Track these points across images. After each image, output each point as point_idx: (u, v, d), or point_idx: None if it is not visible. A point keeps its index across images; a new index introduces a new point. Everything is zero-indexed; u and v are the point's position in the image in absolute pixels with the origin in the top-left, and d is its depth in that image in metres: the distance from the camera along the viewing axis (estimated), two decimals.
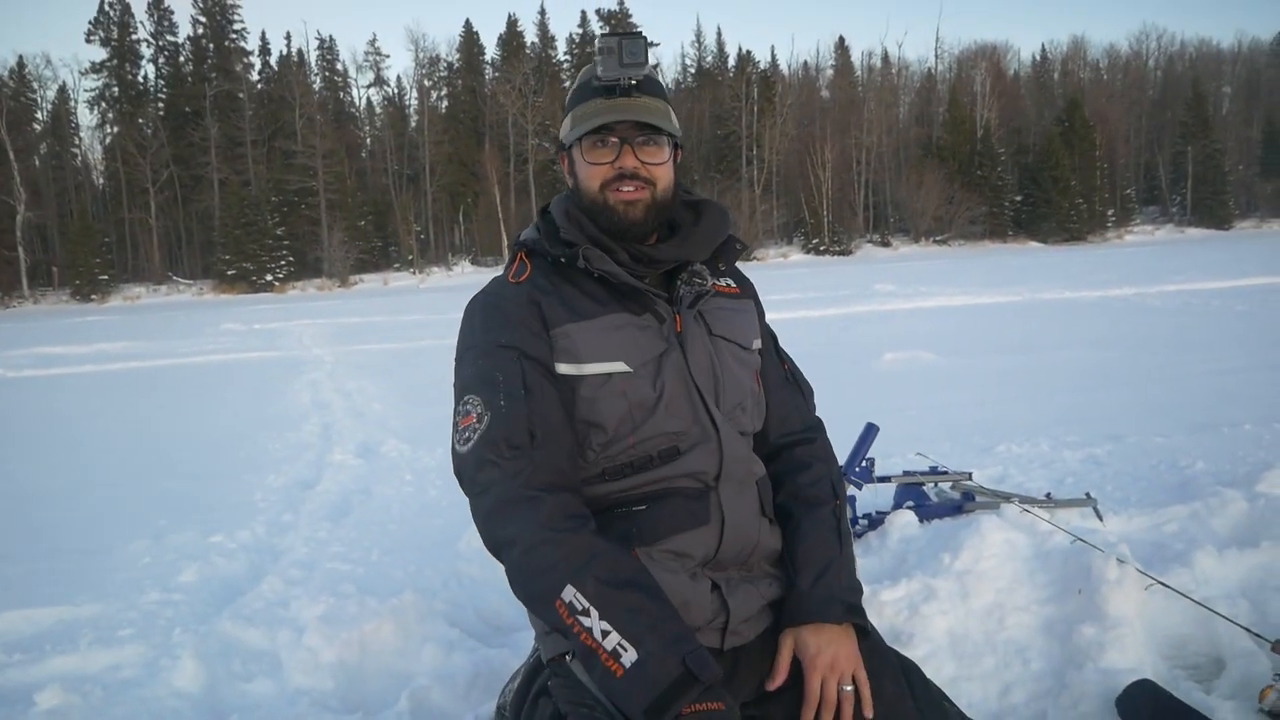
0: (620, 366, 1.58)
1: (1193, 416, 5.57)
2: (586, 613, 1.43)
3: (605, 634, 1.42)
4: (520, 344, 1.58)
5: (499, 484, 1.52)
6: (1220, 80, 75.52)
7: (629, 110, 1.61)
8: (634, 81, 1.61)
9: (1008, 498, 3.28)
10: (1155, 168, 69.05)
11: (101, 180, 59.85)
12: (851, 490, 3.14)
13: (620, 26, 64.67)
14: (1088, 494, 3.49)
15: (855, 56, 73.81)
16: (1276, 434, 5.00)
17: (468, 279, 48.86)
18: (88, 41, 59.79)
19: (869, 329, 12.72)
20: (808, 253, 57.94)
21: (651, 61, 1.65)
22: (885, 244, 60.32)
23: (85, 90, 63.77)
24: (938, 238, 59.28)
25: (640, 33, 1.61)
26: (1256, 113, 70.84)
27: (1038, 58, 77.43)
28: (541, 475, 1.52)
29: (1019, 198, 63.06)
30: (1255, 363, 7.74)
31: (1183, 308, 13.18)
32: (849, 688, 1.51)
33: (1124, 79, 74.67)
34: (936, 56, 74.52)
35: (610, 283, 1.62)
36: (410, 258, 56.36)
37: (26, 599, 3.46)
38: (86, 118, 70.73)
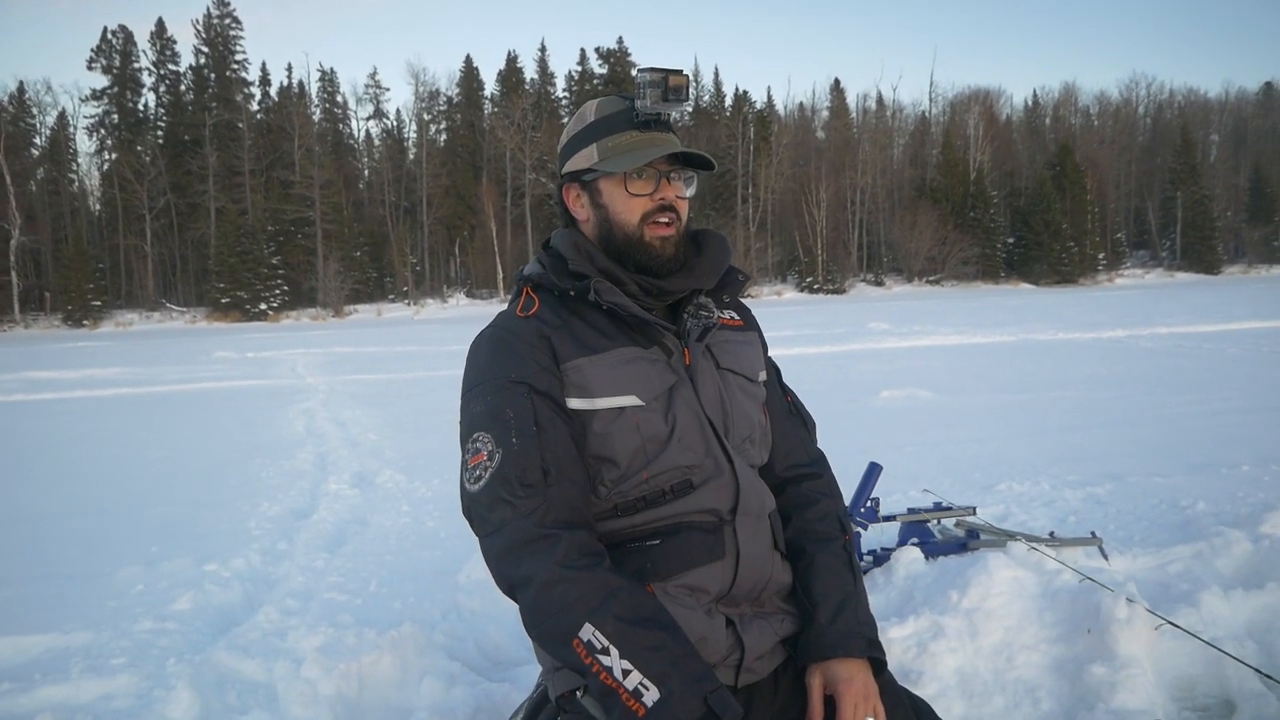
0: (633, 400, 1.56)
1: (1190, 457, 5.57)
2: (606, 651, 1.40)
3: (626, 673, 1.39)
4: (530, 379, 1.56)
5: (512, 523, 1.49)
6: (1208, 128, 76.68)
7: (674, 144, 1.62)
8: (666, 117, 1.63)
9: (1012, 536, 3.26)
10: (1145, 213, 69.79)
11: (98, 206, 59.91)
12: (857, 530, 3.12)
13: (619, 65, 65.43)
14: (1093, 533, 3.48)
15: (850, 99, 74.73)
16: (1275, 475, 5.01)
17: (463, 311, 48.91)
18: (89, 69, 60.34)
19: (865, 367, 12.74)
20: (802, 291, 58.23)
21: None
22: (879, 283, 60.70)
23: (85, 117, 64.46)
24: (931, 278, 59.71)
25: (683, 70, 1.61)
26: (1244, 160, 71.88)
27: (1030, 103, 78.56)
28: (556, 513, 1.49)
29: (1011, 240, 63.68)
30: (1249, 404, 7.77)
31: (1174, 350, 13.25)
32: (871, 719, 1.50)
33: (1114, 125, 75.70)
34: (930, 100, 75.45)
35: (619, 315, 1.60)
36: (405, 289, 56.43)
37: (14, 626, 3.40)
38: (85, 144, 71.23)
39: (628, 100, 1.64)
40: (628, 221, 1.61)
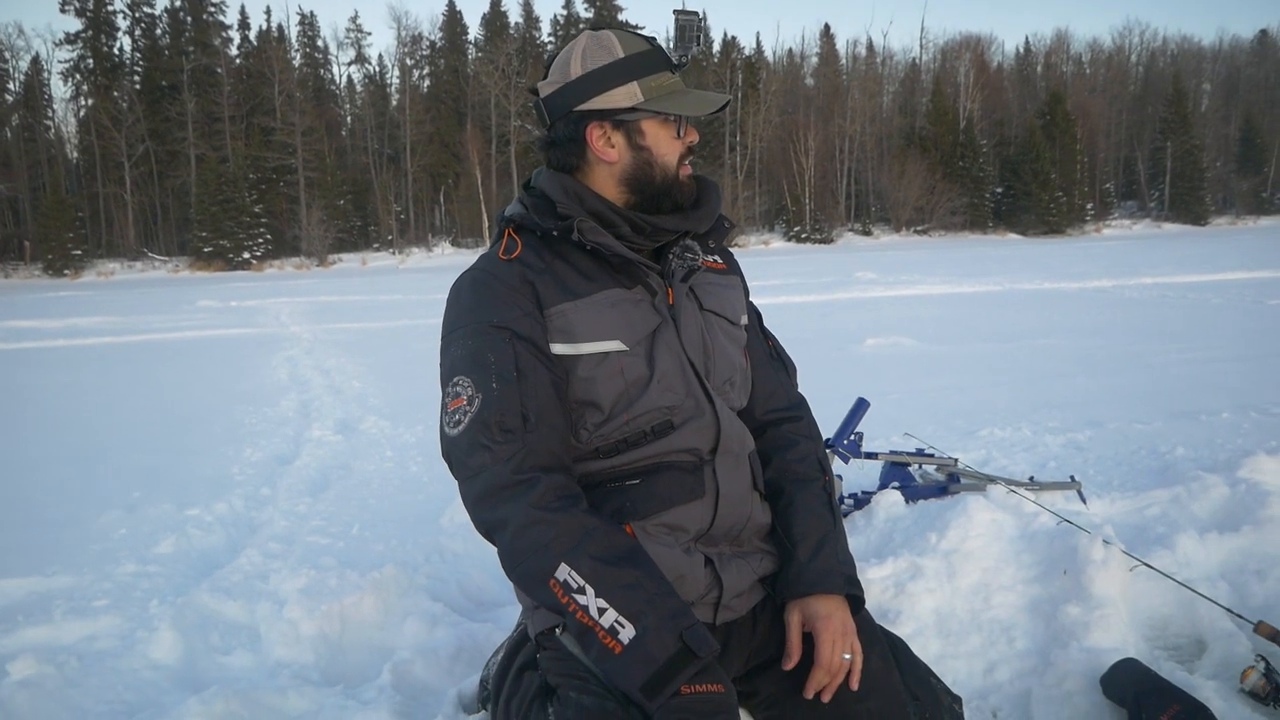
0: (617, 345, 1.55)
1: (1171, 404, 5.62)
2: (582, 590, 1.41)
3: (602, 611, 1.40)
4: (512, 324, 1.54)
5: (490, 468, 1.49)
6: (1201, 77, 76.14)
7: (725, 95, 1.64)
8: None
9: (992, 480, 3.28)
10: (1134, 163, 69.59)
11: (75, 154, 58.89)
12: (838, 465, 3.14)
13: (605, 9, 64.30)
14: (1072, 477, 3.51)
15: (840, 45, 74.13)
16: (1254, 422, 5.06)
17: (448, 260, 48.60)
18: (62, 11, 58.79)
19: (851, 315, 12.76)
20: (789, 240, 58.04)
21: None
22: (866, 233, 60.52)
23: (59, 61, 63.22)
24: (918, 228, 59.56)
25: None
26: (1235, 110, 71.51)
27: (1021, 50, 77.82)
28: (534, 458, 1.49)
29: (1000, 189, 63.45)
30: (1231, 354, 7.82)
31: (1159, 300, 13.31)
32: (848, 656, 1.51)
33: (1106, 73, 75.13)
34: (921, 46, 74.85)
35: (602, 255, 1.58)
36: (390, 238, 55.97)
37: None
38: (60, 89, 69.96)
39: (645, 39, 1.61)
40: (669, 164, 1.61)
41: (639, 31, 1.64)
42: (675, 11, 1.58)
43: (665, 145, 1.60)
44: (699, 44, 1.58)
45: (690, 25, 1.57)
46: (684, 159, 1.62)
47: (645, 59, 1.58)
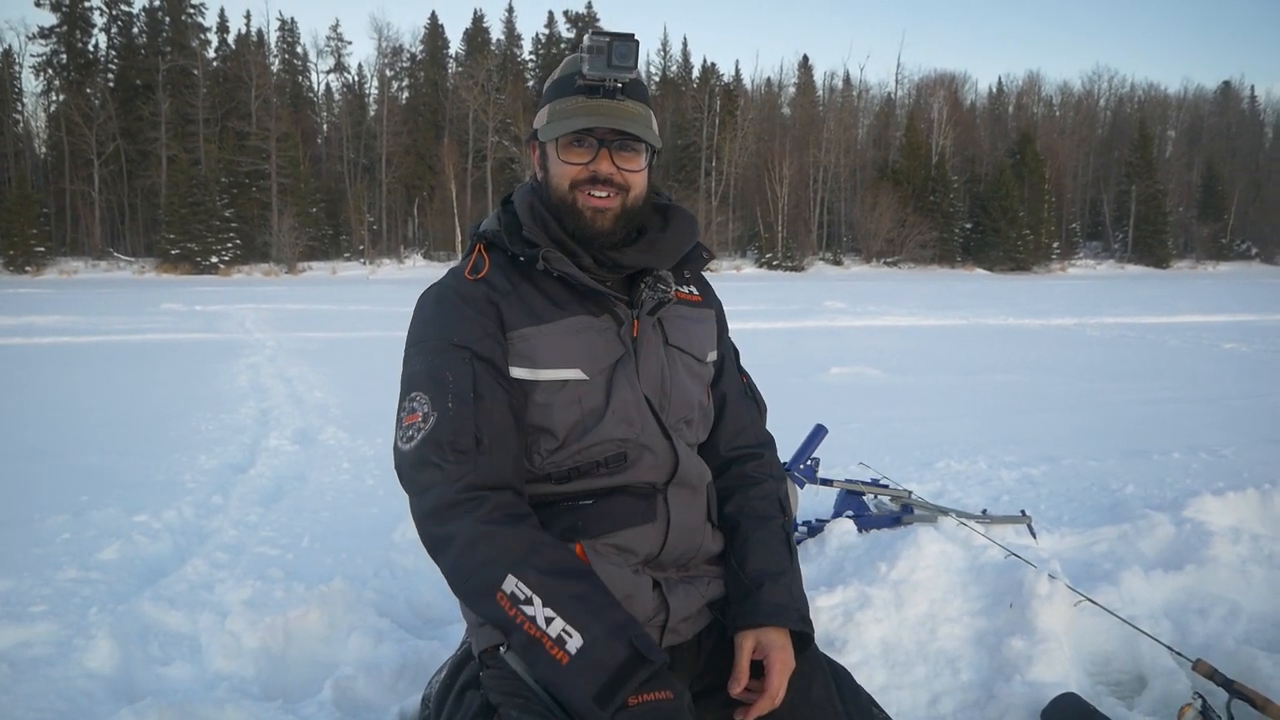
0: (577, 374, 1.55)
1: (1125, 442, 5.71)
2: (529, 601, 1.40)
3: (549, 621, 1.39)
4: (473, 344, 1.53)
5: (439, 485, 1.48)
6: (1165, 124, 78.10)
7: (611, 115, 1.55)
8: (620, 84, 1.56)
9: (945, 512, 3.31)
10: (1100, 204, 71.06)
11: (44, 149, 58.06)
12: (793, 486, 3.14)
13: (588, 29, 64.63)
14: (1023, 511, 3.55)
15: (818, 76, 74.91)
16: (1204, 463, 5.15)
17: (419, 273, 48.35)
18: (37, 5, 58.12)
19: (817, 343, 12.84)
20: (761, 266, 58.42)
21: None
22: (837, 262, 61.11)
23: (32, 55, 62.15)
24: (888, 259, 60.26)
25: (633, 35, 1.54)
26: (1198, 158, 73.42)
27: (994, 90, 79.44)
28: (483, 479, 1.49)
29: (969, 225, 64.44)
30: (1185, 395, 7.97)
31: (1119, 339, 13.54)
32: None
33: (1075, 116, 76.78)
34: (897, 82, 75.89)
35: (570, 282, 1.58)
36: (361, 248, 55.65)
37: None
38: (31, 84, 68.91)
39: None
40: (559, 186, 1.58)
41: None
42: (588, 34, 1.58)
43: (555, 167, 1.59)
44: (612, 67, 1.55)
45: (587, 49, 1.56)
46: (583, 186, 1.56)
47: (562, 83, 1.60)
